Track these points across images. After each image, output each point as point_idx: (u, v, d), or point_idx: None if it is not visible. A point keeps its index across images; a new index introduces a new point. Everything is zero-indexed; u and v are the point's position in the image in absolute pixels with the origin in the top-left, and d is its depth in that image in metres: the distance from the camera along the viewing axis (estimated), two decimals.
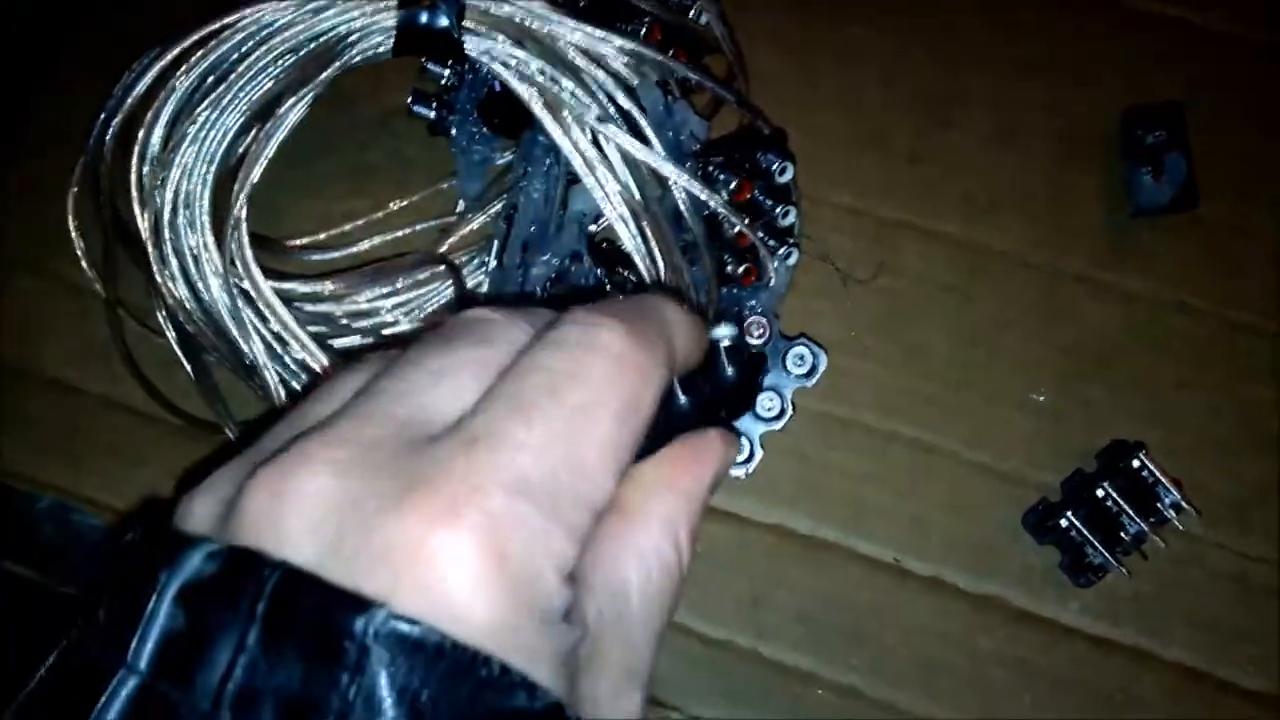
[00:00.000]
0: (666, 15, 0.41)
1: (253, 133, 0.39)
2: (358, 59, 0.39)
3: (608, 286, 0.39)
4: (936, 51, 0.47)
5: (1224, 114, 0.45)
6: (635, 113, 0.38)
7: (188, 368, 0.41)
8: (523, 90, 0.38)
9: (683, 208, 0.38)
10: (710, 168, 0.39)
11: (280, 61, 0.38)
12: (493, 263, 0.41)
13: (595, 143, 0.38)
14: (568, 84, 0.38)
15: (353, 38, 0.38)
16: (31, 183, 0.46)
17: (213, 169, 0.38)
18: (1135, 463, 0.39)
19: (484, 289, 0.42)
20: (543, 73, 0.38)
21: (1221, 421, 0.42)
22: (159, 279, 0.39)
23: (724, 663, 0.40)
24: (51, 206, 0.44)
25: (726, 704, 0.39)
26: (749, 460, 0.39)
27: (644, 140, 0.37)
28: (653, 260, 0.38)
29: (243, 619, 0.17)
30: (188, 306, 0.39)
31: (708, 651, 0.40)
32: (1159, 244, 0.44)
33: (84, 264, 0.43)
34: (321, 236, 0.45)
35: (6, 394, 0.43)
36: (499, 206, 0.44)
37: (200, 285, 0.39)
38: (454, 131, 0.43)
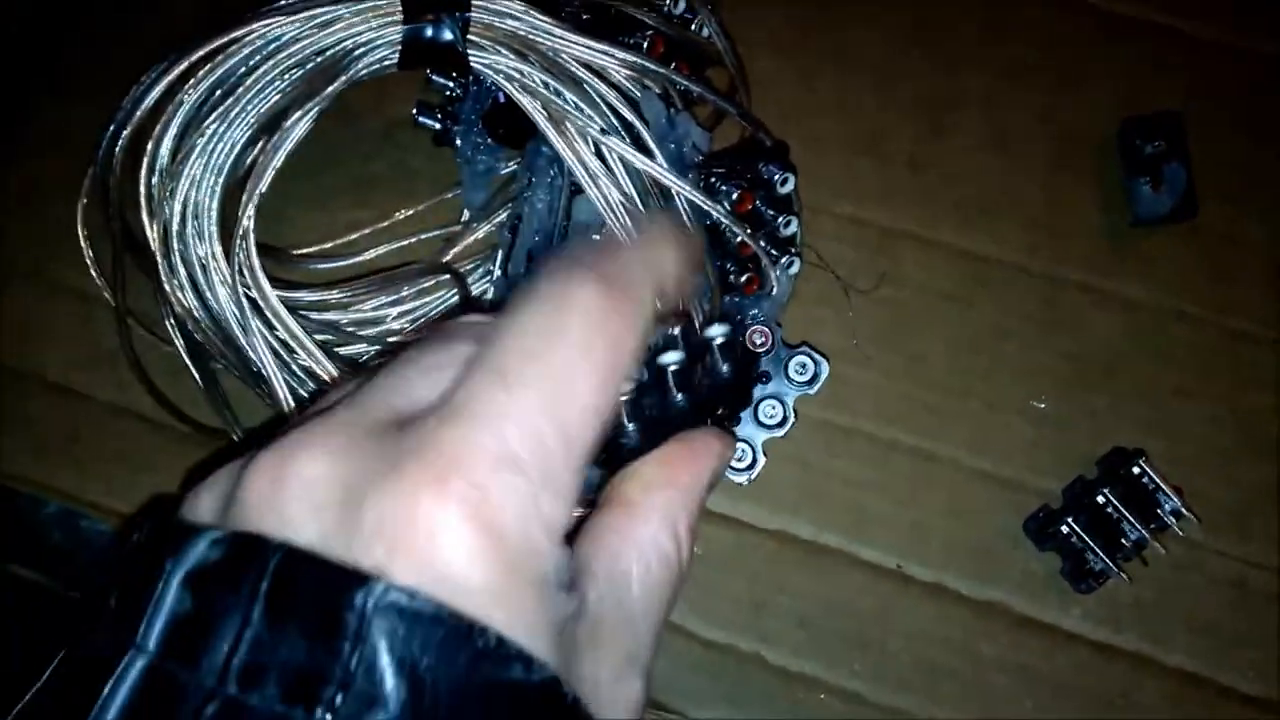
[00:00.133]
0: (669, 29, 0.41)
1: (260, 145, 0.39)
2: (364, 72, 0.39)
3: None
4: (934, 58, 0.48)
5: (1220, 123, 0.46)
6: (638, 125, 0.38)
7: (196, 375, 0.41)
8: (527, 103, 0.38)
9: (685, 218, 0.38)
10: (712, 179, 0.40)
11: (287, 75, 0.39)
12: (497, 272, 0.41)
13: (598, 154, 0.38)
14: (571, 97, 0.38)
15: (359, 51, 0.39)
16: (31, 185, 0.46)
17: (221, 180, 0.39)
18: (1136, 469, 0.40)
19: (488, 298, 0.42)
20: (546, 85, 0.38)
21: (1221, 429, 0.42)
22: (167, 288, 0.39)
23: (726, 667, 0.40)
24: (51, 209, 0.44)
25: (729, 708, 0.40)
26: (752, 467, 0.40)
27: (646, 152, 0.38)
28: None
29: (246, 599, 0.18)
30: (196, 315, 0.39)
31: (710, 656, 0.40)
32: (1158, 252, 0.45)
33: (93, 273, 0.44)
34: (327, 246, 0.45)
35: (12, 399, 0.44)
36: (503, 216, 0.44)
37: (208, 294, 0.39)
38: (458, 142, 0.44)
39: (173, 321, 0.41)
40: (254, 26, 0.38)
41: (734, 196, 0.39)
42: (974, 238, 0.45)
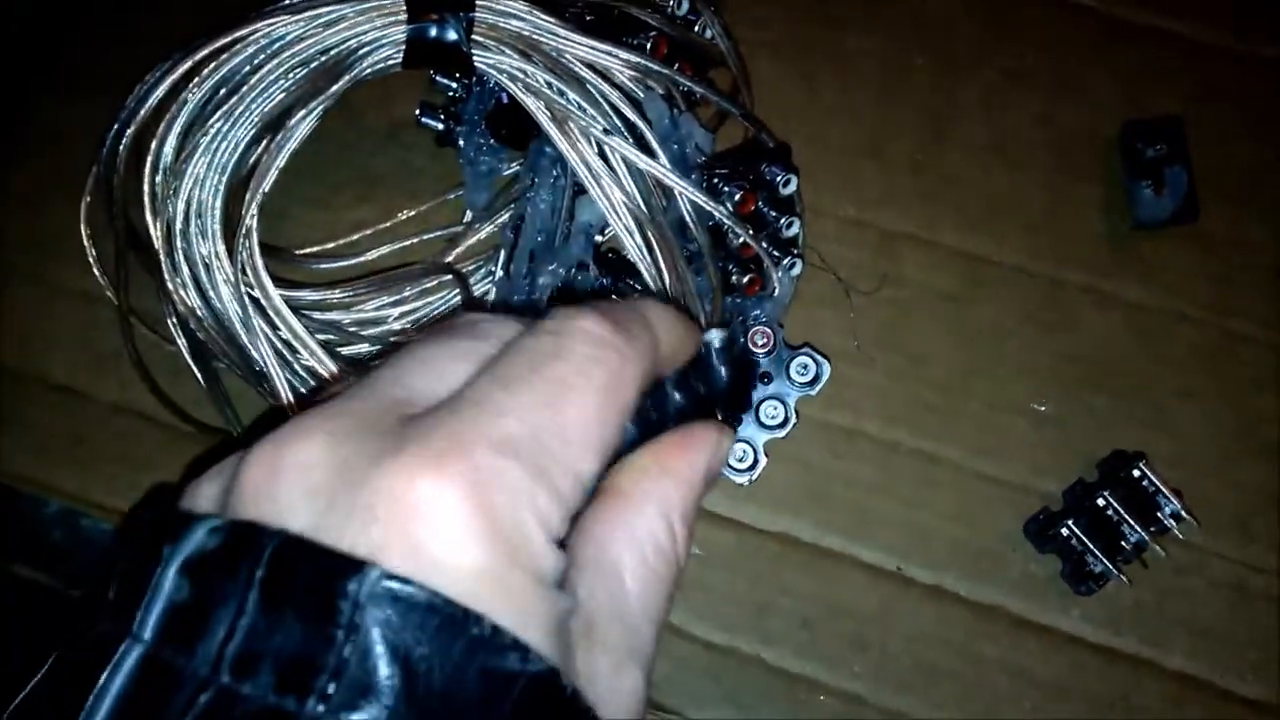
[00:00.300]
0: (672, 30, 0.41)
1: (263, 143, 0.39)
2: (368, 72, 0.39)
3: (613, 296, 0.39)
4: (936, 62, 0.48)
5: (1222, 127, 0.46)
6: (641, 125, 0.38)
7: (198, 374, 0.41)
8: (530, 103, 0.39)
9: (688, 218, 0.38)
10: (715, 179, 0.40)
11: (291, 74, 0.39)
12: (500, 272, 0.41)
13: (601, 154, 0.38)
14: (574, 97, 0.38)
15: (363, 51, 0.39)
16: (33, 185, 0.46)
17: (224, 179, 0.39)
18: (1136, 472, 0.40)
19: (491, 298, 0.42)
20: (550, 86, 0.38)
21: (1222, 431, 0.43)
22: (170, 286, 0.39)
23: (727, 668, 0.40)
24: (52, 209, 0.44)
25: (730, 709, 0.40)
26: (753, 467, 0.40)
27: (649, 152, 0.38)
28: (658, 270, 0.38)
29: (242, 586, 0.18)
30: (199, 314, 0.39)
31: (711, 657, 0.40)
32: (1159, 255, 0.45)
33: (96, 272, 0.44)
34: (330, 246, 0.45)
35: (14, 398, 0.44)
36: (506, 216, 0.44)
37: (211, 293, 0.39)
38: (461, 143, 0.44)
39: (175, 320, 0.41)
40: (258, 25, 0.38)
41: (736, 197, 0.39)
42: (975, 240, 0.45)
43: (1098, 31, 0.48)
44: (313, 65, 0.39)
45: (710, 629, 0.40)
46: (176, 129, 0.39)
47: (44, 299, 0.45)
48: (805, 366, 0.40)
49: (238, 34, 0.39)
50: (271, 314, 0.39)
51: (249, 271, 0.39)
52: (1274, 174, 0.46)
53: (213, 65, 0.39)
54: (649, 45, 0.40)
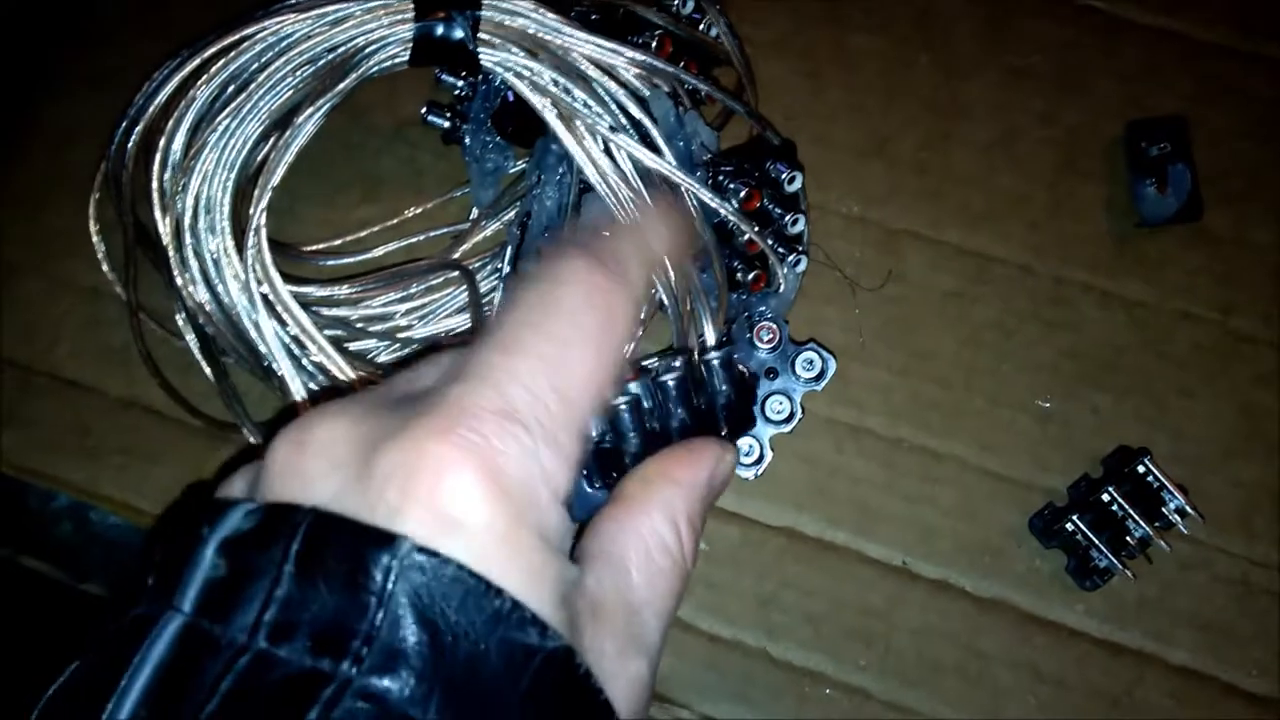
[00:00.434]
0: (677, 28, 0.41)
1: (271, 141, 0.40)
2: (375, 70, 0.40)
3: None
4: (940, 61, 0.48)
5: (1225, 126, 0.46)
6: (646, 123, 0.38)
7: (207, 370, 0.41)
8: (536, 100, 0.39)
9: (688, 208, 0.39)
10: (720, 177, 0.40)
11: (299, 72, 0.39)
12: (506, 269, 0.42)
13: (607, 152, 0.38)
14: (580, 94, 0.38)
15: (370, 49, 0.39)
16: (41, 181, 0.47)
17: (233, 175, 0.39)
18: (1141, 468, 0.40)
19: (498, 294, 0.43)
20: (556, 83, 0.39)
21: (1225, 428, 0.43)
22: (179, 282, 0.40)
23: (733, 662, 0.40)
24: (60, 206, 0.45)
25: (735, 703, 0.40)
26: (759, 462, 0.40)
27: (655, 149, 0.38)
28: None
29: (278, 561, 0.19)
30: (208, 309, 0.40)
31: (717, 651, 0.40)
32: (1163, 253, 0.45)
33: (105, 268, 0.44)
34: (337, 243, 0.45)
35: (24, 394, 0.44)
36: (512, 214, 0.44)
37: (220, 289, 0.39)
38: (467, 141, 0.44)
39: (184, 316, 0.41)
40: (266, 24, 0.39)
41: (742, 194, 0.40)
42: (980, 238, 0.45)
43: (1102, 31, 0.48)
44: (320, 63, 0.39)
45: (716, 623, 0.41)
46: (185, 126, 0.39)
47: (53, 294, 0.45)
48: (811, 362, 0.40)
49: (246, 32, 0.39)
50: (280, 310, 0.39)
51: (257, 267, 0.39)
52: (1278, 173, 0.46)
53: (221, 63, 0.39)
54: (654, 43, 0.41)
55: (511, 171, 0.45)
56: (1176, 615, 0.40)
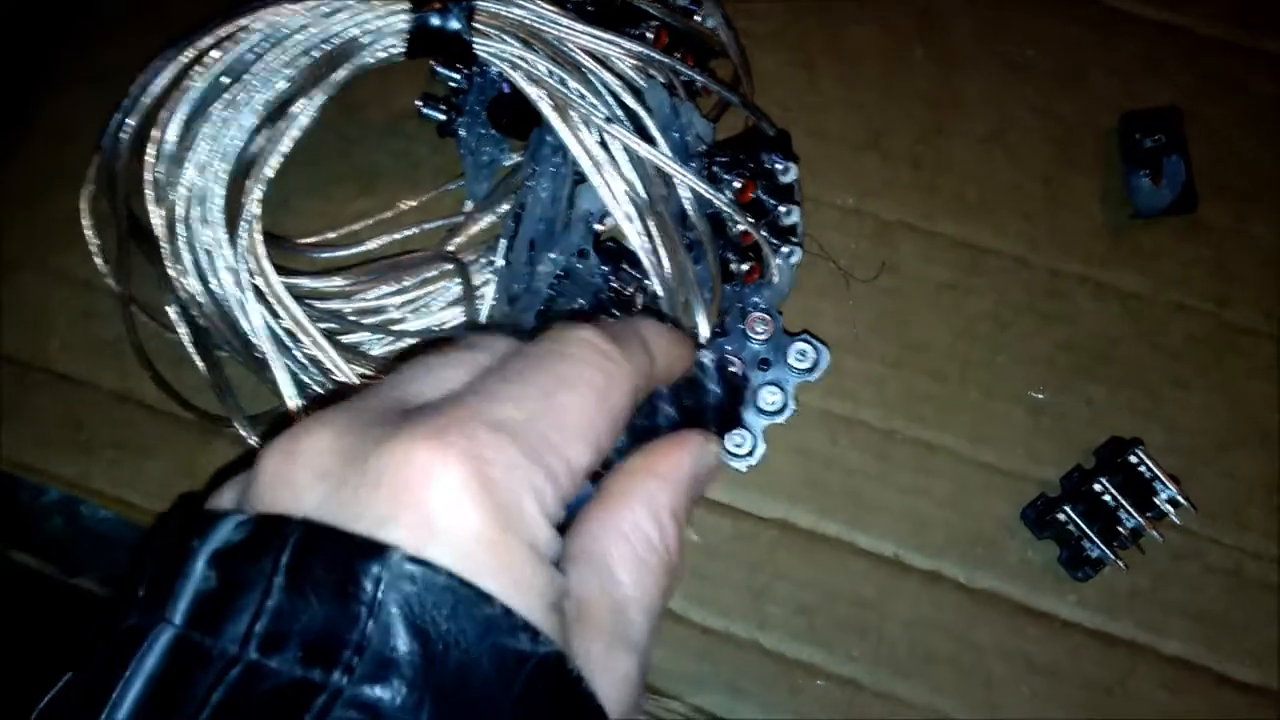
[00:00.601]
0: (673, 19, 0.41)
1: (266, 132, 0.40)
2: (370, 61, 0.40)
3: (613, 283, 0.39)
4: (935, 52, 0.48)
5: (1220, 118, 0.46)
6: (641, 114, 0.38)
7: (199, 362, 0.41)
8: (532, 91, 0.39)
9: (687, 207, 0.39)
10: (715, 168, 0.40)
11: (294, 63, 0.39)
12: (500, 261, 0.42)
13: (602, 143, 0.38)
14: (576, 85, 0.38)
15: (366, 40, 0.39)
16: (34, 173, 0.46)
17: (227, 167, 0.39)
18: (1133, 459, 0.40)
19: (491, 287, 0.43)
20: (551, 74, 0.39)
21: (1218, 419, 0.43)
22: (172, 274, 0.40)
23: (725, 653, 0.40)
24: (55, 198, 0.45)
25: (727, 694, 0.40)
26: (751, 453, 0.40)
27: (650, 141, 0.38)
28: (658, 258, 0.39)
29: (268, 573, 0.19)
30: (200, 301, 0.40)
31: (709, 642, 0.40)
32: (1157, 245, 0.45)
33: (98, 260, 0.44)
34: (331, 235, 0.45)
35: (15, 387, 0.44)
36: (507, 206, 0.44)
37: (213, 281, 0.39)
38: (463, 133, 0.44)
39: (177, 308, 0.41)
40: (261, 14, 0.39)
41: (736, 185, 0.40)
42: (974, 229, 0.45)
43: (1097, 23, 0.48)
44: (316, 54, 0.39)
45: (708, 614, 0.41)
46: (179, 117, 0.39)
47: (45, 287, 0.45)
48: (804, 353, 0.40)
49: (241, 23, 0.39)
50: (273, 301, 0.39)
51: (251, 259, 0.39)
52: (1272, 165, 0.46)
53: (216, 54, 0.39)
54: (650, 34, 0.41)
55: (506, 164, 0.45)
56: (1169, 606, 0.41)
